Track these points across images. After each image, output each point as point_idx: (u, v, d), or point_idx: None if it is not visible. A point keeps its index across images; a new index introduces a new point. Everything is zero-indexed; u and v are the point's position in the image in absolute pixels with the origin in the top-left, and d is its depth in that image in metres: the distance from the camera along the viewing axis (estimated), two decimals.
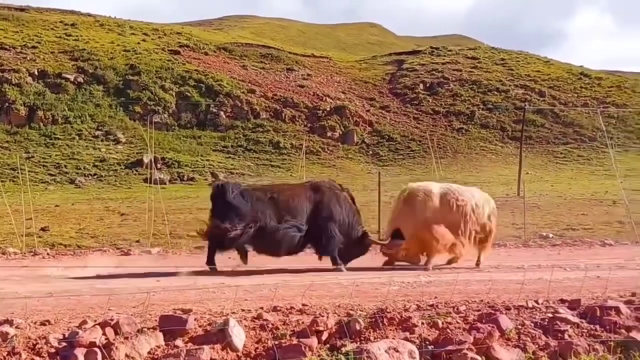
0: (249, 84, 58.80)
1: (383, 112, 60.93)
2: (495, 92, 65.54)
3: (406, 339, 6.16)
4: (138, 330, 6.26)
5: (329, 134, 54.69)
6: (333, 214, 12.36)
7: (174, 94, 53.88)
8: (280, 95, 58.16)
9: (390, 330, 6.32)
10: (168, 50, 62.33)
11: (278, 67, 65.98)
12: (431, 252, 12.35)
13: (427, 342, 6.12)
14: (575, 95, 66.80)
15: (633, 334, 6.43)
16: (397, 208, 12.70)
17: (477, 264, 12.67)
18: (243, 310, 7.19)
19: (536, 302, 7.28)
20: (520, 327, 6.51)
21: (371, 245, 12.61)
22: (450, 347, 5.95)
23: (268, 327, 6.42)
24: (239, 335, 6.21)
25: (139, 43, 62.93)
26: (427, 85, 66.73)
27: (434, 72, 69.81)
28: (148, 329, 6.32)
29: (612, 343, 6.24)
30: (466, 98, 64.26)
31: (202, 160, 46.17)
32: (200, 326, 6.47)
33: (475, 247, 12.76)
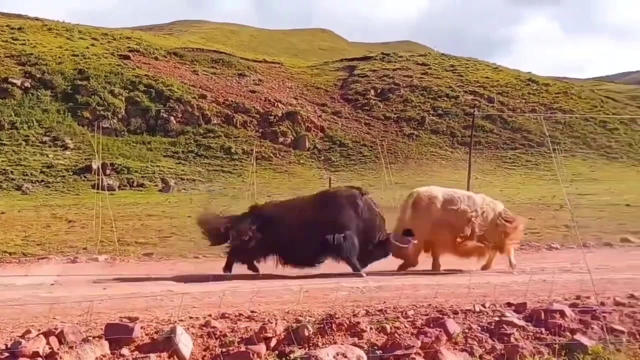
0: (200, 89, 58.48)
1: (335, 117, 61.14)
2: (445, 98, 66.30)
3: (355, 344, 6.17)
4: (83, 339, 6.16)
5: (280, 139, 54.70)
6: (347, 220, 12.38)
7: (123, 99, 53.29)
8: (232, 101, 57.97)
9: (339, 335, 6.32)
10: (117, 55, 61.63)
11: (229, 72, 65.76)
12: (437, 254, 12.69)
13: (376, 347, 6.13)
14: (524, 101, 67.94)
15: (577, 336, 6.53)
16: (406, 211, 12.80)
17: (512, 266, 12.61)
18: (191, 317, 7.13)
19: (483, 306, 7.35)
20: (467, 331, 6.57)
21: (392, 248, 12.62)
22: (398, 352, 5.98)
23: (216, 334, 6.37)
24: (186, 343, 6.15)
25: (87, 47, 62.12)
26: (378, 91, 67.19)
27: (384, 78, 70.36)
28: (93, 337, 6.22)
29: (556, 346, 6.33)
30: (417, 104, 64.88)
31: (152, 166, 45.72)
32: (147, 334, 6.39)
33: (492, 251, 12.89)
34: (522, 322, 6.80)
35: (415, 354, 5.96)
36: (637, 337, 6.65)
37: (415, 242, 12.22)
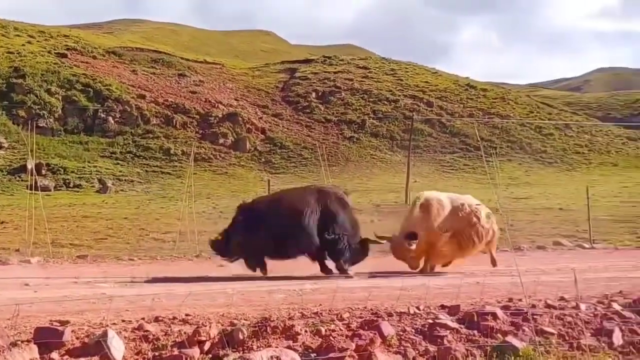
0: (139, 89, 57.77)
1: (276, 119, 61.09)
2: (385, 102, 66.86)
3: (289, 347, 6.15)
4: (11, 344, 6.00)
5: (221, 140, 54.37)
6: (343, 218, 12.48)
7: (60, 98, 52.26)
8: (172, 101, 57.44)
9: (274, 338, 6.29)
10: (54, 53, 60.43)
11: (169, 72, 65.13)
12: (436, 258, 13.04)
13: (310, 350, 6.12)
14: (462, 105, 68.96)
15: (508, 338, 6.62)
16: (413, 213, 12.93)
17: (494, 264, 13.40)
18: (124, 321, 7.01)
19: (417, 308, 7.41)
20: (401, 333, 6.60)
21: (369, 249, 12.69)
22: (332, 355, 5.97)
23: (149, 338, 6.27)
24: (118, 347, 6.03)
25: (23, 45, 60.75)
26: (320, 93, 67.37)
27: (326, 80, 70.58)
28: (22, 341, 6.06)
29: (488, 347, 6.40)
30: (357, 107, 65.28)
31: (89, 166, 44.98)
32: (77, 338, 6.25)
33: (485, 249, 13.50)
34: (455, 325, 6.86)
35: (349, 356, 5.96)
36: (567, 338, 6.78)
37: (415, 245, 12.34)
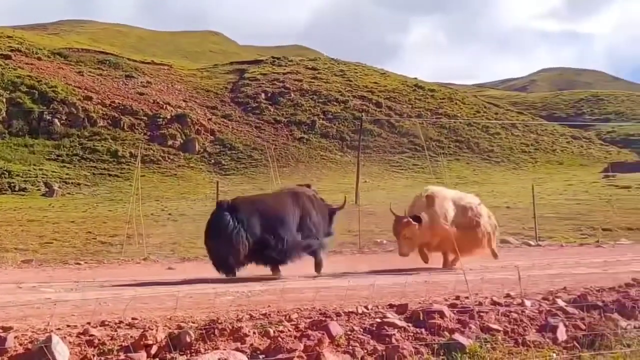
0: (86, 91, 57.00)
1: (225, 121, 60.86)
2: (335, 103, 67.11)
3: (237, 349, 6.10)
4: None
5: (169, 142, 53.98)
6: (318, 218, 12.58)
7: (4, 100, 51.26)
8: (119, 103, 56.80)
9: (222, 341, 6.24)
10: None
11: (116, 73, 64.41)
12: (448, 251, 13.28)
13: (259, 352, 6.09)
14: (410, 106, 69.58)
15: (455, 336, 6.67)
16: (418, 202, 13.12)
17: (495, 257, 13.83)
18: (69, 326, 6.88)
19: (366, 307, 7.42)
20: (349, 332, 6.60)
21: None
22: (280, 356, 5.95)
23: (94, 343, 6.16)
24: (62, 353, 5.92)
25: None
26: (269, 94, 67.33)
27: (275, 81, 70.55)
28: None
29: (436, 345, 6.45)
30: (307, 108, 65.40)
31: (34, 169, 44.21)
32: (21, 344, 6.11)
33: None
34: (403, 323, 6.89)
35: (297, 357, 5.94)
36: (512, 335, 6.87)
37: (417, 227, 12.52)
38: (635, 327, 7.09)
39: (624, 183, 41.20)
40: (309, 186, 13.86)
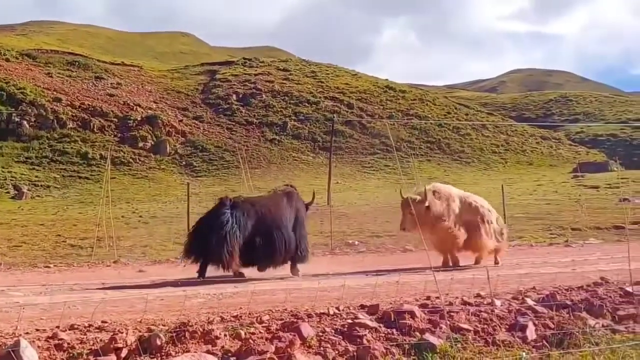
0: (55, 92, 56.46)
1: (196, 122, 60.60)
2: (307, 104, 67.11)
3: (208, 351, 6.08)
4: None
5: (140, 144, 53.61)
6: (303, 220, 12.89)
7: None
8: (89, 104, 56.33)
9: (192, 343, 6.21)
10: None
11: (86, 75, 63.88)
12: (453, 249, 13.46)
13: (230, 354, 6.07)
14: (382, 107, 69.80)
15: (426, 336, 6.70)
16: (428, 194, 13.25)
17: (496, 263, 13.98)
18: (38, 330, 6.83)
19: (337, 308, 7.44)
20: (321, 334, 6.61)
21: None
22: (252, 358, 5.94)
23: (63, 346, 6.11)
24: (31, 357, 5.86)
25: None
26: (240, 96, 67.16)
27: (246, 83, 70.40)
28: None
29: (407, 346, 6.47)
30: (278, 109, 65.33)
31: (3, 172, 43.70)
32: None
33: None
34: (374, 324, 6.91)
35: (269, 359, 5.94)
36: (482, 334, 6.92)
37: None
38: (603, 326, 7.18)
39: (593, 183, 41.70)
40: (292, 187, 13.88)
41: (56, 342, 6.23)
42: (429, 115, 69.90)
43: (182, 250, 12.50)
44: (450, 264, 13.46)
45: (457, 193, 13.77)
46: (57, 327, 6.86)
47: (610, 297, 8.05)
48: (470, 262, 13.66)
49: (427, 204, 12.70)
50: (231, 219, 11.61)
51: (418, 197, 12.76)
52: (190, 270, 12.11)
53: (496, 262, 13.90)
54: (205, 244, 11.60)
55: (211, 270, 12.01)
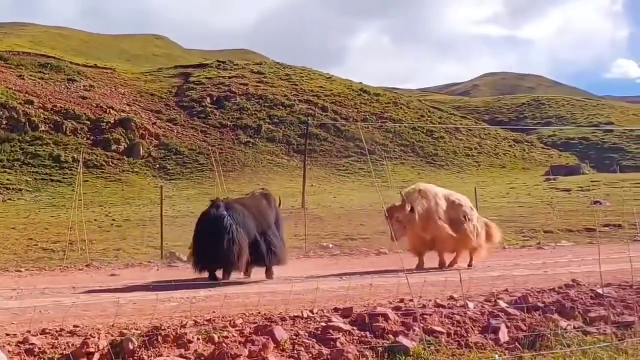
0: (27, 95, 55.90)
1: (170, 125, 60.29)
2: (281, 107, 67.07)
3: (181, 355, 6.06)
4: None
5: (113, 147, 53.23)
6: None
7: None
8: (61, 107, 55.84)
9: (165, 347, 6.18)
10: None
11: (58, 77, 63.32)
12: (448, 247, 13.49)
13: (203, 358, 6.05)
14: (356, 110, 69.95)
15: (399, 338, 6.72)
16: (412, 196, 13.24)
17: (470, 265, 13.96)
18: (8, 334, 6.76)
19: (311, 311, 7.44)
20: (294, 337, 6.60)
21: None
22: None
23: (34, 351, 6.06)
24: None
25: None
26: (214, 98, 66.95)
27: (220, 85, 70.20)
28: None
29: (380, 348, 6.48)
30: (252, 112, 65.21)
31: None
32: None
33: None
34: (348, 327, 6.92)
35: None
36: (455, 337, 6.95)
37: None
38: (574, 327, 7.24)
39: (565, 186, 42.12)
40: (266, 190, 13.87)
41: (27, 346, 6.18)
42: (403, 119, 70.20)
43: (191, 261, 12.29)
44: (445, 265, 13.54)
45: (441, 192, 13.84)
46: (28, 331, 6.81)
47: (581, 299, 8.12)
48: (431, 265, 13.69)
49: (410, 207, 12.73)
50: (233, 221, 11.56)
51: (398, 203, 12.78)
52: (163, 273, 12.06)
53: (470, 265, 13.94)
54: (215, 250, 11.45)
55: (186, 274, 11.97)
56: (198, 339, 6.38)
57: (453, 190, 14.87)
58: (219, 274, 11.62)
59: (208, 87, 69.57)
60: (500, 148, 70.21)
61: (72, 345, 6.19)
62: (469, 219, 13.66)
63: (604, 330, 7.23)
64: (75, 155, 48.24)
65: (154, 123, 59.23)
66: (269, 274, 12.29)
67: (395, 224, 12.60)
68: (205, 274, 11.59)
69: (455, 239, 13.28)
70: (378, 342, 6.64)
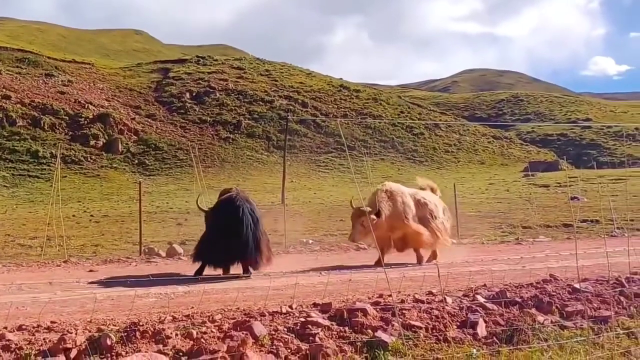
0: (4, 90, 55.42)
1: (149, 120, 60.01)
2: (261, 102, 66.96)
3: (159, 351, 6.04)
4: None
5: (92, 142, 52.91)
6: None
7: None
8: (39, 102, 55.40)
9: (143, 343, 6.16)
10: None
11: (36, 72, 62.80)
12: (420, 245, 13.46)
13: (181, 354, 6.03)
14: (336, 106, 69.99)
15: (378, 333, 6.73)
16: (378, 196, 13.21)
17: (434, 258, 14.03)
18: None
19: (290, 307, 7.44)
20: (273, 332, 6.60)
21: None
22: (203, 357, 5.91)
23: (11, 347, 6.01)
24: None
25: None
26: (194, 94, 66.72)
27: (200, 81, 69.95)
28: None
29: (359, 343, 6.50)
30: (232, 107, 65.05)
31: None
32: None
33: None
34: (327, 322, 6.92)
35: (220, 358, 5.91)
36: (434, 331, 6.98)
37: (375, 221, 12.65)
38: (552, 322, 7.30)
39: (543, 182, 42.44)
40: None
41: (3, 343, 6.13)
42: (383, 115, 70.31)
43: (210, 258, 11.81)
44: (423, 261, 13.57)
45: (408, 191, 13.86)
46: (5, 327, 6.76)
47: (558, 293, 8.18)
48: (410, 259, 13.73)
49: (376, 212, 12.74)
50: (251, 216, 11.50)
51: (369, 208, 12.75)
52: (142, 269, 11.99)
53: (434, 257, 14.01)
54: (239, 245, 11.30)
55: (164, 269, 11.91)
56: (176, 334, 6.36)
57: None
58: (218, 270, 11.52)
59: (187, 83, 69.31)
60: (480, 144, 70.58)
61: (50, 341, 6.15)
62: (434, 217, 13.73)
63: (581, 325, 7.29)
64: (54, 151, 47.88)
65: (133, 118, 58.92)
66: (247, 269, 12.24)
67: (359, 228, 12.73)
68: (219, 271, 11.50)
69: (424, 236, 13.31)
70: (357, 337, 6.65)
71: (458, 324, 7.23)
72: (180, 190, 41.14)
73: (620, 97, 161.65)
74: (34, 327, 6.79)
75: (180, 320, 7.01)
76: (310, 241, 18.68)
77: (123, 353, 6.00)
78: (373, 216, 12.61)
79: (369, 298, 8.19)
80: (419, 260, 13.55)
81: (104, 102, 59.96)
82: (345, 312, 7.06)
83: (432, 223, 13.59)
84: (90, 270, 13.15)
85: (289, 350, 6.39)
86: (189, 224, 22.79)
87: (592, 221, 22.89)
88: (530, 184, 42.37)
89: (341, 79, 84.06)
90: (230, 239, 11.23)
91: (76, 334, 6.24)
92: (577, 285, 8.38)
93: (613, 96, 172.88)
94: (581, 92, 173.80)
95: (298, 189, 41.41)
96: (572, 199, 29.28)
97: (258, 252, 11.46)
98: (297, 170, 52.94)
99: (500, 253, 15.52)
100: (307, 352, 6.35)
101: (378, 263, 13.26)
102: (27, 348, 6.06)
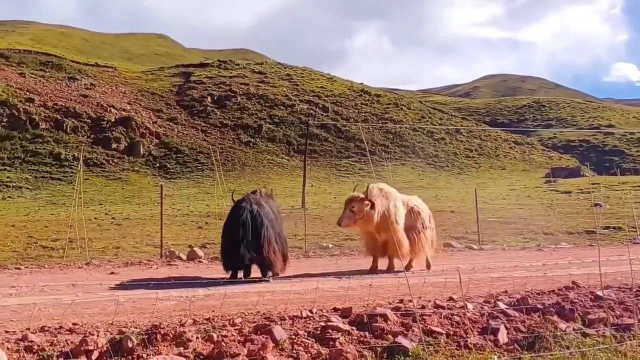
0: (28, 93, 55.93)
1: (171, 124, 60.30)
2: (282, 107, 67.08)
3: (180, 354, 6.05)
4: None
5: (114, 145, 53.26)
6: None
7: None
8: (62, 105, 55.87)
9: (164, 346, 6.17)
10: None
11: (59, 75, 63.33)
12: (396, 255, 12.87)
13: (202, 357, 6.05)
14: (357, 111, 69.96)
15: (398, 339, 6.71)
16: (376, 190, 13.07)
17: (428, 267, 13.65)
18: (7, 332, 6.75)
19: (310, 311, 7.43)
20: (294, 337, 6.60)
21: None
22: None
23: (33, 349, 6.05)
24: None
25: None
26: (215, 98, 66.96)
27: (221, 85, 70.20)
28: None
29: (379, 349, 6.47)
30: (253, 112, 65.21)
31: None
32: None
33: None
34: (347, 327, 6.91)
35: None
36: (455, 338, 6.94)
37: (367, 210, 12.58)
38: (574, 329, 7.23)
39: (565, 188, 42.13)
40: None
41: (26, 344, 6.17)
42: (404, 120, 70.22)
43: (222, 260, 11.84)
44: (394, 269, 13.09)
45: (401, 197, 13.69)
46: (27, 329, 6.80)
47: (581, 301, 8.11)
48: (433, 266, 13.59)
49: (370, 203, 12.62)
50: (256, 219, 11.42)
51: (362, 195, 12.66)
52: (162, 272, 12.03)
53: (410, 267, 13.63)
54: (237, 247, 11.16)
55: (185, 272, 11.94)
56: (197, 337, 6.37)
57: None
58: (239, 273, 11.49)
59: (209, 87, 69.58)
60: (501, 150, 70.23)
61: (71, 342, 6.18)
62: (425, 227, 13.50)
63: (603, 333, 7.22)
64: (76, 154, 48.25)
65: (155, 122, 59.23)
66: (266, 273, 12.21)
67: (348, 213, 12.59)
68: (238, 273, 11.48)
69: (404, 249, 13.01)
70: (377, 343, 6.63)
71: (479, 330, 7.19)
72: (201, 194, 41.29)
73: None
74: (56, 329, 6.83)
75: (200, 323, 7.02)
76: (330, 245, 18.65)
77: (144, 355, 6.01)
78: (367, 202, 12.51)
79: (390, 303, 8.16)
80: (389, 269, 13.23)
81: (126, 106, 60.32)
82: (365, 317, 7.04)
83: (422, 233, 13.34)
84: (112, 273, 13.21)
85: (309, 355, 6.39)
86: (209, 227, 22.87)
87: (614, 228, 22.70)
88: (552, 190, 42.06)
89: (362, 83, 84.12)
90: (229, 241, 11.32)
91: (98, 336, 6.27)
92: (599, 293, 8.30)
93: (636, 102, 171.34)
94: (604, 98, 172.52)
95: (318, 193, 41.39)
96: (594, 205, 29.07)
97: (261, 255, 11.30)
98: (318, 174, 52.96)
99: (522, 259, 15.40)
100: (328, 356, 6.34)
101: (373, 269, 13.15)
102: (49, 349, 6.09)
